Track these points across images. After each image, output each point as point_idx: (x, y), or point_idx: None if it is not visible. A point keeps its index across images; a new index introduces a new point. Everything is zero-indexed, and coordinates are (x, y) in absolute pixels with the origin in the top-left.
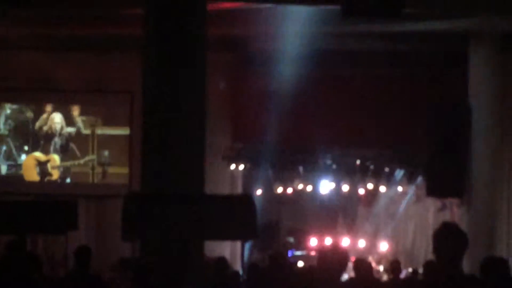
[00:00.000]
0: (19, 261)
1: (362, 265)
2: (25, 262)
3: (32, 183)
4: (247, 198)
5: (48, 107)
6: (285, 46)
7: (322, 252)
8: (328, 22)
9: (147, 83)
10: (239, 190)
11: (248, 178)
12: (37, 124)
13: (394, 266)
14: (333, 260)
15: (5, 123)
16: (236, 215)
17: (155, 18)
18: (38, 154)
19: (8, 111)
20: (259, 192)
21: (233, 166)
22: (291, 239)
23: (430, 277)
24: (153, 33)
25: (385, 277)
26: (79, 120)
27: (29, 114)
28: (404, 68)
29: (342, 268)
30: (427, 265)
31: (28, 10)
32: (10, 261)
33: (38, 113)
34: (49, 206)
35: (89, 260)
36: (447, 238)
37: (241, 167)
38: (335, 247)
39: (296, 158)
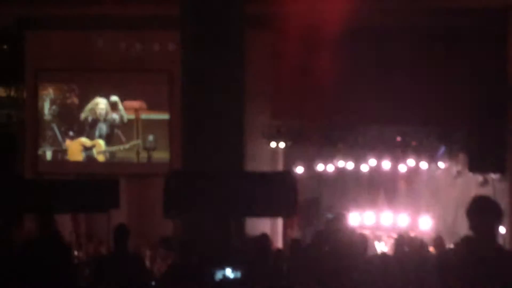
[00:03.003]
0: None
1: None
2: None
3: (74, 163)
4: (288, 175)
5: (92, 92)
6: (325, 23)
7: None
8: None
9: (185, 62)
10: (279, 167)
11: (289, 156)
12: (83, 113)
13: (437, 242)
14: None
15: (49, 109)
16: (277, 193)
17: None
18: (83, 140)
19: (53, 96)
20: (300, 169)
21: (273, 144)
22: (332, 216)
23: (467, 252)
24: (191, 12)
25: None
26: (122, 107)
27: (74, 99)
28: (444, 44)
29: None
30: (464, 240)
31: None
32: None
33: (82, 98)
34: (90, 184)
35: (128, 238)
36: (479, 212)
37: (282, 144)
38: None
39: (337, 135)
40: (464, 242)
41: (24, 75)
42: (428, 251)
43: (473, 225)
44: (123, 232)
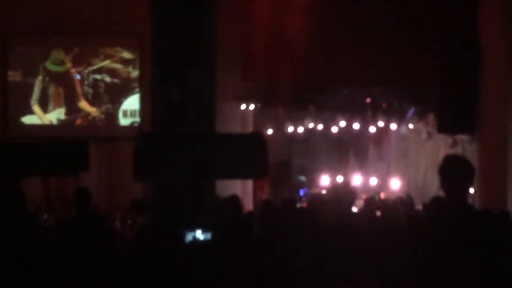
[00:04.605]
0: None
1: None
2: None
3: (42, 127)
4: (258, 137)
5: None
6: None
7: (332, 188)
8: None
9: (155, 24)
10: (250, 129)
11: (259, 118)
12: None
13: (407, 203)
14: (343, 195)
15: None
16: (247, 154)
17: None
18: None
19: None
20: (270, 131)
21: (243, 106)
22: (303, 178)
23: (437, 212)
24: None
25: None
26: None
27: None
28: (414, 5)
29: (351, 203)
30: (434, 200)
31: None
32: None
33: None
34: (60, 148)
35: (89, 201)
36: (452, 170)
37: (252, 106)
38: (345, 183)
39: (306, 97)
40: (434, 203)
41: None
42: (398, 212)
43: (444, 184)
44: (83, 195)
